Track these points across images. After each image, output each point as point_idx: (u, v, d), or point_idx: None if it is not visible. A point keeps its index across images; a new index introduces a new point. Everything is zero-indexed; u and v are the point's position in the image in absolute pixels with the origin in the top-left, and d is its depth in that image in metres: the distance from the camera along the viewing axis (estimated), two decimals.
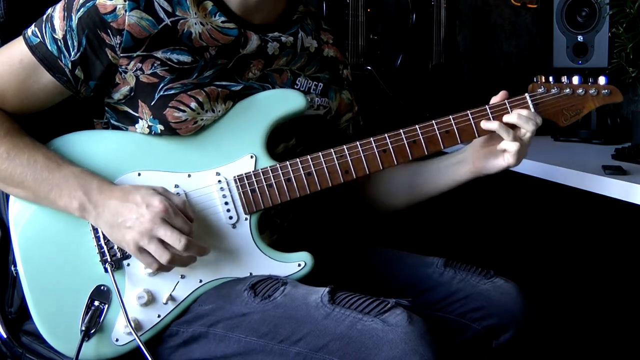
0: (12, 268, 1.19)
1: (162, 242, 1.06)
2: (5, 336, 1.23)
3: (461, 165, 1.27)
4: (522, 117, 1.16)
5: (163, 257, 1.06)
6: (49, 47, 1.11)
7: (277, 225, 1.27)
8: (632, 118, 1.94)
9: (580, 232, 2.24)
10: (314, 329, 1.03)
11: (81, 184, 1.09)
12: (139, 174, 1.14)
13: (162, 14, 1.12)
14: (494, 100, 1.20)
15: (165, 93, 1.13)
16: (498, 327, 1.20)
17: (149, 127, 1.14)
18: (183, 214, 1.08)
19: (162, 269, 1.10)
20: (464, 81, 2.39)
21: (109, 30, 1.09)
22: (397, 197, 1.34)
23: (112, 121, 1.19)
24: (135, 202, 1.07)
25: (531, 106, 1.19)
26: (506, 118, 1.17)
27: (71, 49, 1.11)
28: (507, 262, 1.94)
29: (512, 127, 1.17)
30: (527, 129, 1.16)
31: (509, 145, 1.17)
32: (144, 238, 1.06)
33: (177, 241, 1.05)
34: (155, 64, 1.12)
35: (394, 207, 1.36)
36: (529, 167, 1.70)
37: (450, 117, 1.18)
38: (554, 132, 2.12)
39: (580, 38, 2.03)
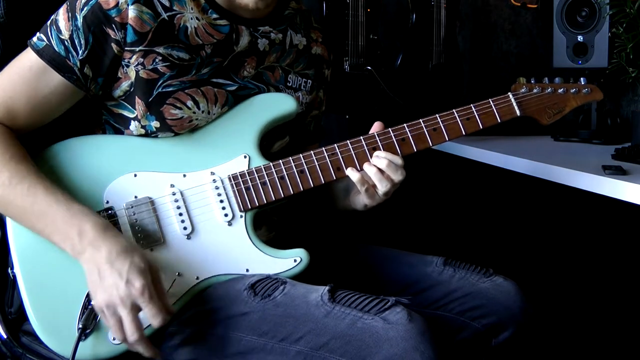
0: (9, 271, 1.19)
1: (120, 321, 1.04)
2: (5, 336, 1.23)
3: (347, 193, 1.28)
4: (391, 165, 1.16)
5: (117, 333, 1.05)
6: (56, 49, 1.12)
7: (275, 223, 1.27)
8: (632, 118, 1.94)
9: (580, 232, 2.24)
10: (314, 327, 1.03)
11: (75, 224, 1.07)
12: (135, 175, 1.16)
13: (159, 9, 1.14)
14: (372, 131, 1.20)
15: (164, 90, 1.14)
16: (497, 326, 1.20)
17: (144, 126, 1.15)
18: (153, 305, 1.04)
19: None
20: (464, 81, 2.39)
21: (113, 25, 1.11)
22: (337, 203, 1.34)
23: (111, 122, 1.20)
24: (119, 272, 1.03)
25: (514, 104, 1.23)
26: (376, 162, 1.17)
27: (79, 48, 1.12)
28: (507, 261, 1.94)
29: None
30: (395, 179, 1.17)
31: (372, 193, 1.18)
32: (109, 309, 1.04)
33: (130, 332, 1.03)
34: (157, 60, 1.13)
35: (336, 209, 1.36)
36: (529, 167, 1.70)
37: (437, 115, 1.21)
38: (554, 132, 2.12)
39: (580, 38, 2.04)
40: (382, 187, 1.17)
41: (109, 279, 1.03)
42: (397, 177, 1.17)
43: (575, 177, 1.52)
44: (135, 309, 1.04)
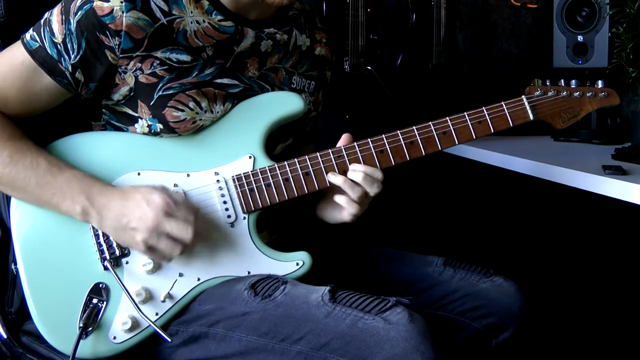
0: (12, 266, 1.19)
1: (171, 237, 1.07)
2: (5, 336, 1.23)
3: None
4: (367, 178, 1.15)
5: (175, 250, 1.08)
6: (49, 51, 1.11)
7: (276, 225, 1.27)
8: (632, 118, 1.94)
9: (580, 232, 2.25)
10: (315, 327, 1.03)
11: (83, 188, 1.10)
12: (139, 174, 1.15)
13: (158, 14, 1.12)
14: (340, 144, 1.19)
15: (164, 93, 1.13)
16: (498, 326, 1.20)
17: (149, 126, 1.15)
18: (184, 205, 1.09)
19: (172, 259, 1.11)
20: (464, 81, 2.39)
21: (107, 32, 1.09)
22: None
23: (113, 122, 1.19)
24: (135, 201, 1.08)
25: (528, 108, 1.19)
26: (352, 175, 1.16)
27: (71, 52, 1.11)
28: (507, 261, 1.95)
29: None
30: (371, 192, 1.16)
31: (350, 205, 1.17)
32: (152, 236, 1.07)
33: (184, 232, 1.07)
34: (155, 64, 1.12)
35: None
36: (529, 167, 1.71)
37: (447, 118, 1.19)
38: (554, 132, 2.12)
39: (580, 38, 2.04)
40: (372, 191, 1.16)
41: (133, 214, 1.07)
42: (372, 190, 1.15)
43: (575, 177, 1.52)
44: (170, 216, 1.07)
